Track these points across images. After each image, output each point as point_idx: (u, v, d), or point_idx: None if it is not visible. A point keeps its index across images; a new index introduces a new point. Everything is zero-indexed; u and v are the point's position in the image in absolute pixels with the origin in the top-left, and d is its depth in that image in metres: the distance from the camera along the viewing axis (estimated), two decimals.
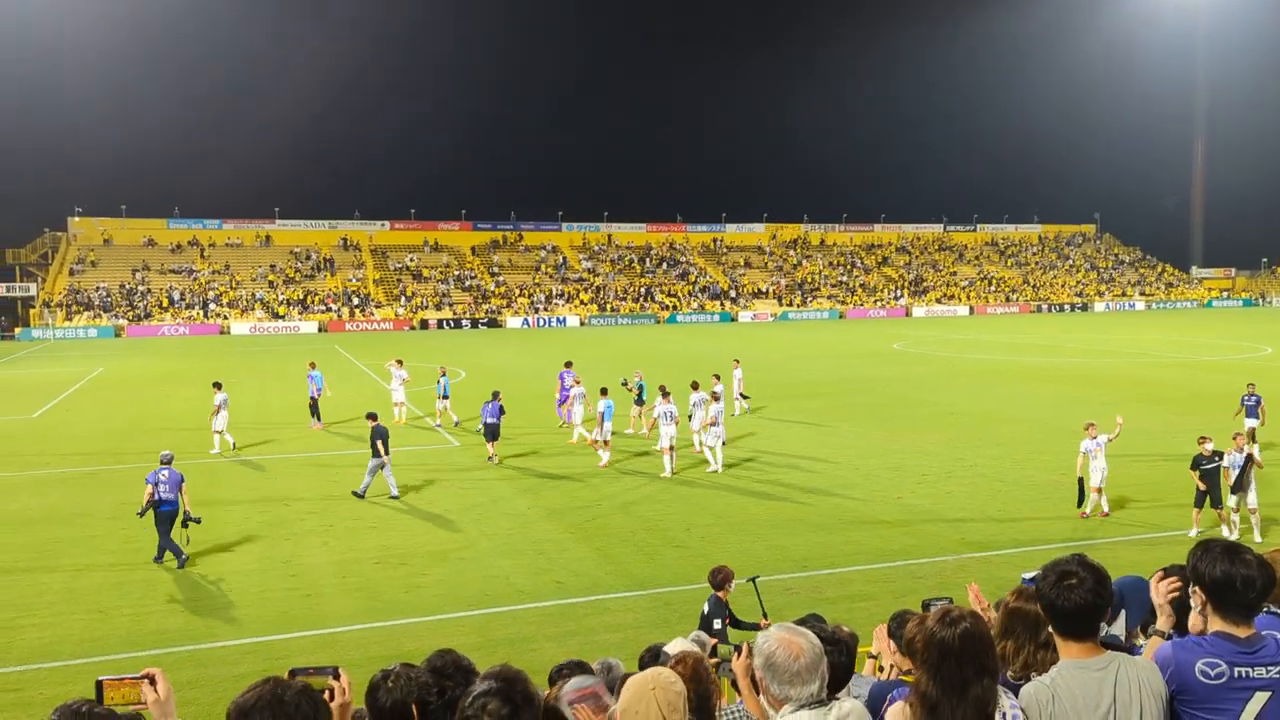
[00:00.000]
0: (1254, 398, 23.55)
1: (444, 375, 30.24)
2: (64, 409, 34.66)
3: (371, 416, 21.27)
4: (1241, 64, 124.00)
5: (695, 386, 24.87)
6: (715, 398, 23.32)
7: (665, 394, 23.37)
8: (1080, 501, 17.98)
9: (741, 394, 31.37)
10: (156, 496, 15.91)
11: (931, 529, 17.54)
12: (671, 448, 22.23)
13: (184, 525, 16.10)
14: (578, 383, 27.68)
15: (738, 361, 32.69)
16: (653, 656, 6.14)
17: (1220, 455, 16.78)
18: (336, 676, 3.50)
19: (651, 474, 22.33)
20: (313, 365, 30.57)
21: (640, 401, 28.21)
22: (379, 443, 20.06)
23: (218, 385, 26.15)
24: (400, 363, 31.10)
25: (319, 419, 29.51)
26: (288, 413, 32.15)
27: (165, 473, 16.13)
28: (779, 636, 3.61)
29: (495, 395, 24.43)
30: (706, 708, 3.82)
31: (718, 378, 27.00)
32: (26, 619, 13.58)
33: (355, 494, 20.30)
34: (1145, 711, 3.47)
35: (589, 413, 26.23)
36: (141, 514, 16.08)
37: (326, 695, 3.43)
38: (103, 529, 18.29)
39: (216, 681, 11.30)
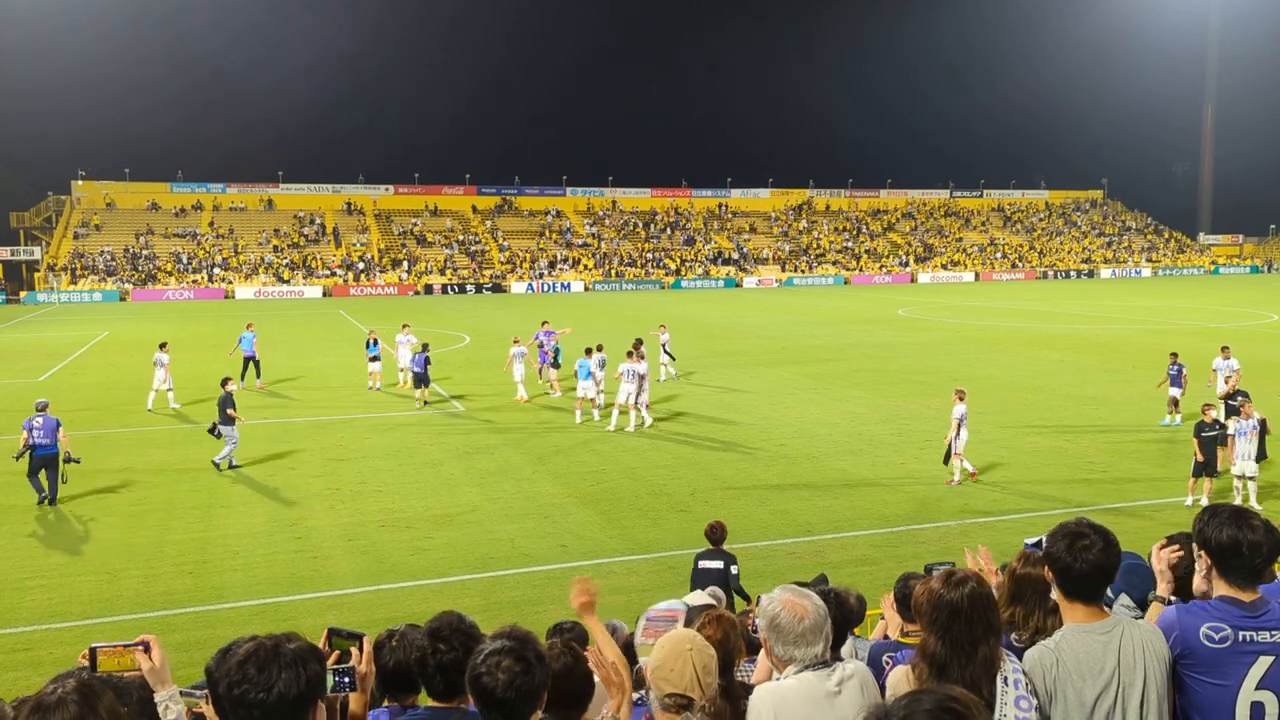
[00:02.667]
0: (1177, 367, 23.87)
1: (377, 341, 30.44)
2: (70, 372, 34.74)
3: (223, 382, 20.79)
4: (1252, 30, 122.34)
5: (592, 350, 25.96)
6: (641, 357, 24.22)
7: (630, 354, 24.35)
8: (946, 460, 18.57)
9: (668, 353, 31.69)
10: (31, 441, 17.34)
11: (934, 494, 17.59)
12: (626, 406, 23.36)
13: (64, 463, 17.52)
14: (516, 343, 28.52)
15: (663, 326, 33.02)
16: None
17: (1220, 424, 16.76)
18: (360, 647, 3.54)
19: (656, 438, 22.38)
20: (249, 326, 31.86)
21: (556, 365, 29.30)
22: (227, 410, 19.82)
23: (162, 345, 27.11)
24: (406, 327, 31.18)
25: (259, 377, 30.61)
26: (291, 377, 32.22)
27: (39, 419, 17.53)
28: (783, 598, 3.61)
29: (425, 347, 27.14)
30: (729, 670, 3.86)
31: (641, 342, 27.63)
32: (35, 580, 13.71)
33: (215, 464, 19.84)
34: (1149, 675, 3.48)
35: (530, 372, 28.49)
36: (17, 457, 17.54)
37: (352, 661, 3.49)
38: (110, 491, 18.39)
39: (224, 642, 11.39)
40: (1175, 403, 23.42)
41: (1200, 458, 16.49)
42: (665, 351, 31.33)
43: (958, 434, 18.03)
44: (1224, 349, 23.97)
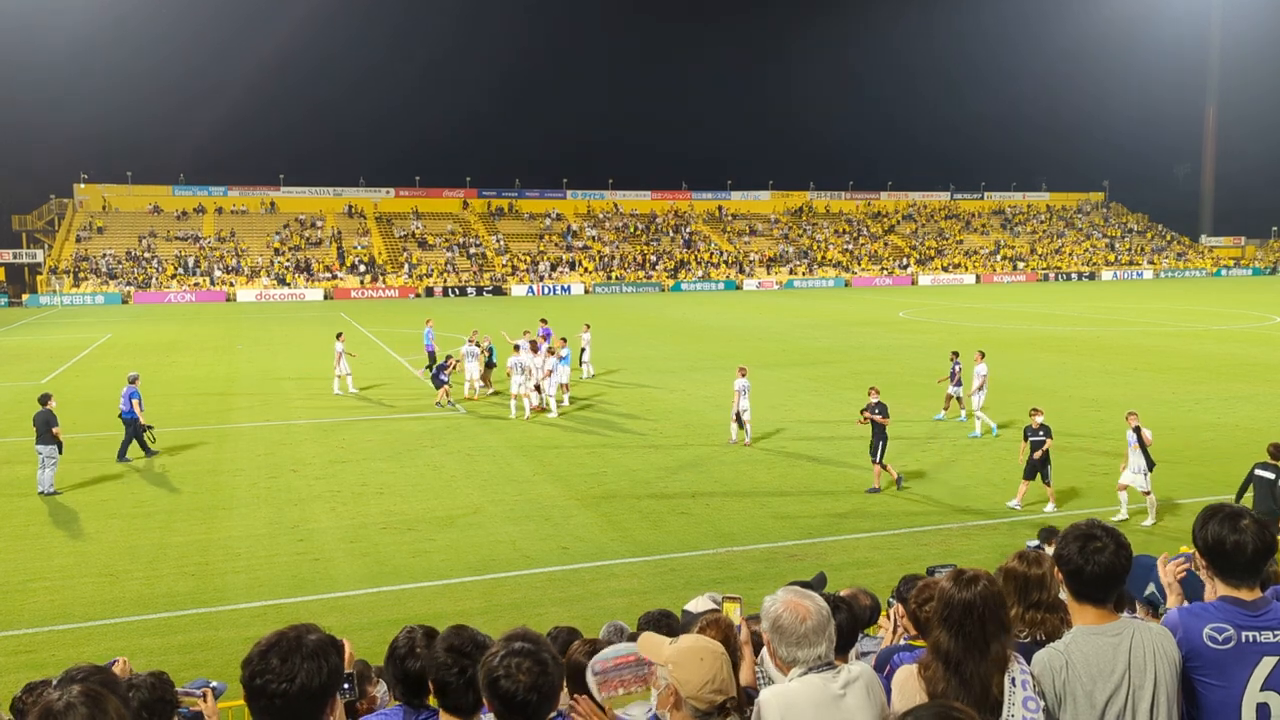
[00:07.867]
0: (958, 365, 24.48)
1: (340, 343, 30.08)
2: (73, 375, 34.74)
3: (42, 400, 18.71)
4: (1253, 31, 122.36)
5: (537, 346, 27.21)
6: (551, 352, 26.22)
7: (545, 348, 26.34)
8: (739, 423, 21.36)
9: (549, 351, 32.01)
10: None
11: (936, 496, 17.58)
12: (518, 395, 25.29)
13: (144, 430, 21.35)
14: (470, 341, 29.21)
15: (588, 326, 33.89)
16: (649, 621, 6.13)
17: (1046, 428, 16.72)
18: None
19: (657, 440, 22.38)
20: (428, 322, 34.20)
21: (490, 365, 29.84)
22: (46, 430, 17.98)
23: (338, 336, 30.02)
24: (526, 333, 30.56)
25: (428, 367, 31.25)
26: (298, 380, 32.21)
27: (125, 389, 21.35)
28: (785, 599, 3.59)
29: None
30: (735, 670, 3.87)
31: (564, 340, 28.77)
32: (37, 582, 13.70)
33: (41, 493, 18.12)
34: (1160, 678, 3.47)
35: (483, 371, 29.49)
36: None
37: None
38: (112, 493, 18.41)
39: (227, 644, 11.41)
40: (953, 400, 24.65)
41: (1021, 459, 16.49)
42: (582, 349, 32.68)
43: (739, 402, 21.26)
44: (980, 354, 23.67)
